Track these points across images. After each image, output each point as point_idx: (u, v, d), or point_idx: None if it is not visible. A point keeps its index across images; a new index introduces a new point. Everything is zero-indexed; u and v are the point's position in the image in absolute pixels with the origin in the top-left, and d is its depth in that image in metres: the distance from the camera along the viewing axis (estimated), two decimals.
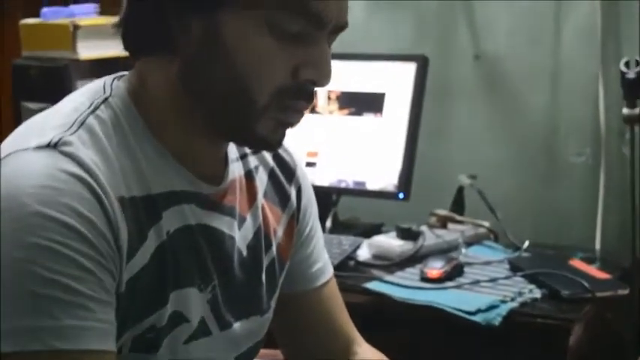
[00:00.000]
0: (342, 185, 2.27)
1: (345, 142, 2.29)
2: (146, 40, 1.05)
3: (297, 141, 2.24)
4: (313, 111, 2.30)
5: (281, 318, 1.27)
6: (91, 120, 1.02)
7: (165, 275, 1.04)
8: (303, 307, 1.30)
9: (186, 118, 1.05)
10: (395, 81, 2.27)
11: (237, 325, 1.14)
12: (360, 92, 2.30)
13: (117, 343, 0.99)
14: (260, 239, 1.18)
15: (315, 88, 1.05)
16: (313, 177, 2.26)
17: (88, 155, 0.98)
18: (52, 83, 2.27)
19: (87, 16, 2.34)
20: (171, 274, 1.04)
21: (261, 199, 1.19)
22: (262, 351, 1.40)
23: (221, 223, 1.11)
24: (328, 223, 2.24)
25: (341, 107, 2.30)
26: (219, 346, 1.12)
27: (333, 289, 1.32)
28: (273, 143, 1.07)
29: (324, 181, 2.28)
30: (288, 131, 1.07)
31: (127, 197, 1.00)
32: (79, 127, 1.00)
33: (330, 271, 1.32)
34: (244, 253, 1.15)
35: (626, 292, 1.90)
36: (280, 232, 1.23)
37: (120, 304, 0.99)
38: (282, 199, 1.23)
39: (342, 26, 1.04)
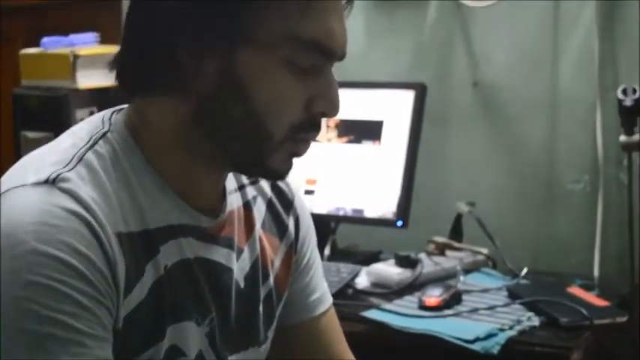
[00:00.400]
0: (341, 213, 2.28)
1: (344, 170, 2.30)
2: (149, 78, 1.04)
3: (296, 169, 2.28)
4: None
5: (279, 349, 1.26)
6: (90, 155, 1.02)
7: (162, 309, 1.04)
8: (302, 338, 1.29)
9: (188, 152, 1.05)
10: (393, 109, 2.28)
11: (233, 358, 1.14)
12: (358, 120, 2.31)
13: None
14: (257, 270, 1.18)
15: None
16: (312, 204, 2.27)
17: (86, 191, 0.98)
18: (52, 112, 2.27)
19: (87, 46, 2.36)
20: (169, 308, 1.04)
21: (258, 230, 1.19)
22: None
23: (219, 256, 1.11)
24: (327, 251, 2.25)
25: (340, 135, 2.31)
26: None
27: (332, 318, 1.32)
28: (283, 174, 1.08)
29: (323, 209, 2.28)
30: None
31: (124, 232, 1.00)
32: (77, 163, 1.01)
33: (329, 301, 1.31)
34: (242, 284, 1.15)
35: (624, 319, 1.89)
36: (278, 262, 1.22)
37: (117, 340, 0.98)
38: (280, 229, 1.23)
39: (344, 55, 1.06)
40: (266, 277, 1.20)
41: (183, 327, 1.06)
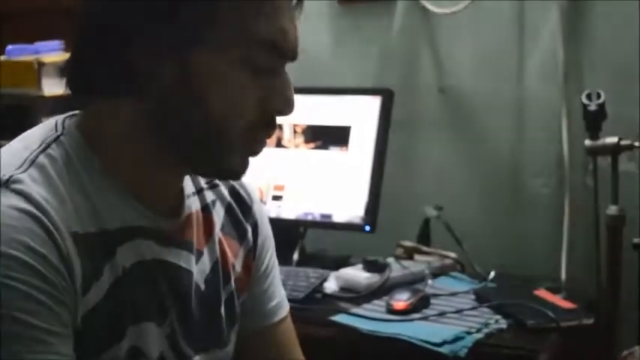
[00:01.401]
0: (309, 218, 2.28)
1: (312, 176, 2.30)
2: (103, 81, 1.04)
3: (264, 174, 2.29)
4: (279, 145, 2.31)
5: (238, 353, 1.26)
6: (42, 158, 1.02)
7: (121, 310, 1.03)
8: (259, 344, 1.29)
9: (145, 155, 1.05)
10: (360, 114, 2.29)
11: (197, 359, 1.14)
12: (325, 126, 2.31)
13: None
14: (218, 273, 1.18)
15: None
16: (280, 210, 2.28)
17: (39, 192, 0.98)
18: (18, 120, 2.26)
19: (52, 53, 2.35)
20: (128, 309, 1.04)
21: (218, 233, 1.19)
22: None
23: (178, 258, 1.11)
24: (295, 256, 2.24)
25: (307, 141, 2.31)
26: None
27: (289, 325, 1.32)
28: (239, 174, 1.08)
29: (291, 214, 2.28)
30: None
31: (80, 233, 1.00)
32: (29, 166, 1.01)
33: (285, 309, 1.31)
34: (202, 287, 1.15)
35: (590, 321, 1.91)
36: (238, 266, 1.23)
37: (76, 339, 0.98)
38: (240, 233, 1.23)
39: (296, 55, 1.06)
40: (227, 279, 1.20)
41: (143, 328, 1.06)
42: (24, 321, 0.93)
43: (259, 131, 1.04)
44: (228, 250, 1.21)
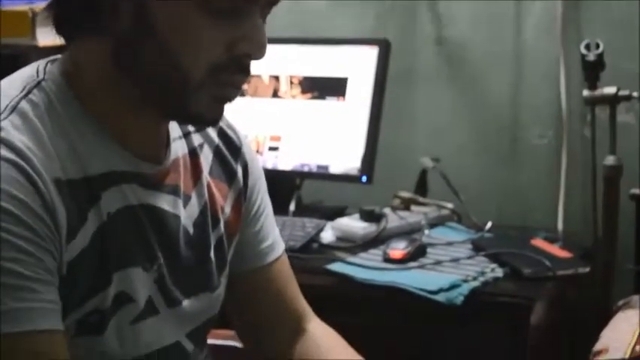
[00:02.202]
0: (305, 169, 2.27)
1: (308, 126, 2.29)
2: (76, 23, 1.03)
3: (260, 125, 2.28)
4: (276, 96, 2.30)
5: (232, 296, 1.27)
6: (24, 104, 1.00)
7: (107, 256, 1.03)
8: (253, 285, 1.29)
9: (122, 98, 1.04)
10: (357, 65, 2.27)
11: (186, 303, 1.14)
12: (322, 77, 2.29)
13: None
14: (206, 216, 1.17)
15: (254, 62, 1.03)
16: (276, 161, 2.27)
17: (21, 139, 0.97)
18: (11, 70, 2.23)
19: (46, 2, 2.32)
20: (114, 254, 1.04)
21: (206, 177, 1.19)
22: (219, 332, 1.41)
23: (164, 202, 1.10)
24: (292, 207, 2.24)
25: (304, 91, 2.30)
26: (168, 324, 1.11)
27: (284, 266, 1.32)
28: (210, 119, 1.07)
29: (288, 165, 2.27)
30: (227, 106, 1.06)
31: (63, 179, 0.99)
32: (10, 112, 0.99)
33: (280, 249, 1.31)
34: (191, 231, 1.15)
35: (586, 270, 1.91)
36: (228, 208, 1.22)
37: (62, 287, 0.98)
38: (229, 176, 1.23)
39: (272, 1, 1.04)
40: (216, 223, 1.19)
41: (130, 273, 1.06)
42: (8, 269, 0.92)
43: (226, 74, 1.02)
44: (216, 193, 1.20)
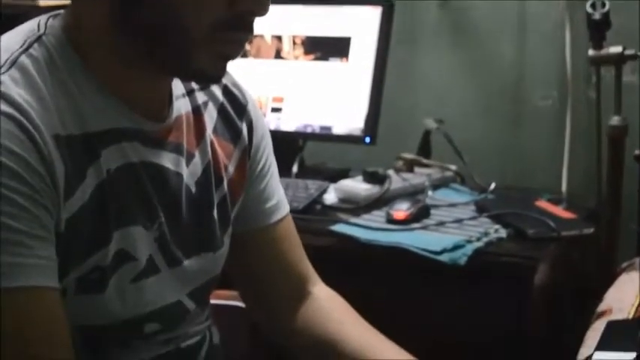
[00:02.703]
0: (308, 130, 2.26)
1: (311, 87, 2.27)
2: None
3: (263, 86, 2.26)
4: (278, 56, 2.28)
5: (235, 256, 1.26)
6: (24, 59, 0.99)
7: (106, 214, 1.02)
8: (257, 245, 1.28)
9: (123, 55, 1.03)
10: (361, 25, 2.25)
11: (187, 263, 1.13)
12: (325, 37, 2.27)
13: (60, 284, 0.98)
14: (209, 175, 1.16)
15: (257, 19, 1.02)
16: (279, 122, 2.26)
17: (20, 93, 0.96)
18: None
19: None
20: (114, 212, 1.03)
21: (210, 135, 1.17)
22: (221, 292, 1.40)
23: (166, 161, 1.09)
24: (294, 168, 2.23)
25: (306, 52, 2.28)
26: (169, 283, 1.11)
27: (289, 227, 1.31)
28: (213, 76, 1.06)
29: (290, 127, 2.26)
30: (230, 64, 1.05)
31: (63, 135, 0.98)
32: (10, 67, 0.98)
33: (285, 209, 1.30)
34: (193, 190, 1.14)
35: (590, 231, 1.90)
36: (232, 167, 1.21)
37: (60, 244, 0.97)
38: (233, 134, 1.21)
39: None
40: (219, 182, 1.18)
41: (130, 231, 1.05)
42: (3, 223, 0.91)
43: (229, 30, 1.00)
44: (220, 152, 1.19)
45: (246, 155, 1.23)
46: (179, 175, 1.11)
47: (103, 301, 1.03)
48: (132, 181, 1.05)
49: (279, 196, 1.30)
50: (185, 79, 1.14)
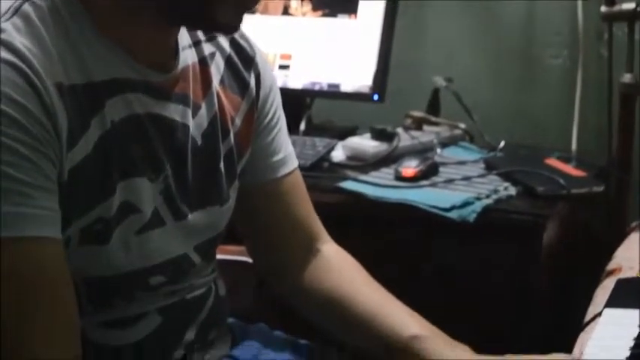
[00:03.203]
0: (316, 88, 2.23)
1: (319, 44, 2.24)
2: None
3: (271, 43, 2.24)
4: (286, 13, 2.26)
5: (243, 211, 1.25)
6: (27, 7, 0.98)
7: (110, 165, 1.01)
8: (265, 199, 1.27)
9: (130, 5, 1.01)
10: None
11: (193, 216, 1.12)
12: None
13: (63, 234, 0.97)
14: (216, 127, 1.15)
15: None
16: (286, 80, 2.24)
17: (22, 42, 0.94)
18: None
19: None
20: (118, 164, 1.02)
21: (216, 87, 1.16)
22: (228, 247, 1.39)
23: (172, 112, 1.08)
24: (302, 126, 2.21)
25: (314, 9, 2.25)
26: (174, 236, 1.10)
27: (297, 181, 1.29)
28: (234, 27, 1.04)
29: (298, 84, 2.24)
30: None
31: (66, 84, 0.97)
32: (13, 15, 0.97)
33: (293, 163, 1.29)
34: (199, 141, 1.13)
35: (601, 189, 1.88)
36: (239, 120, 1.19)
37: (63, 194, 0.96)
38: (241, 86, 1.20)
39: None
40: (226, 134, 1.17)
41: (135, 183, 1.04)
42: (4, 173, 0.90)
43: None
44: (227, 103, 1.17)
45: (254, 108, 1.22)
46: (185, 126, 1.10)
47: (107, 252, 1.03)
48: (137, 132, 1.04)
49: (287, 150, 1.28)
50: (204, 31, 1.13)
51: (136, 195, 1.04)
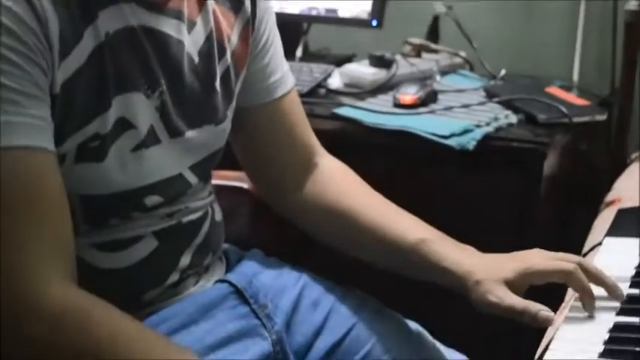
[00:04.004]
0: (313, 13, 2.18)
1: None
2: None
3: None
4: None
5: (242, 133, 1.25)
6: None
7: (105, 78, 1.00)
8: (264, 119, 1.26)
9: None
10: None
11: (189, 134, 1.11)
12: None
13: (59, 151, 0.96)
14: (212, 45, 1.13)
15: None
16: (283, 4, 2.18)
17: None
18: None
19: None
20: (113, 77, 1.00)
21: (211, 3, 1.14)
22: (224, 172, 1.38)
23: (167, 26, 1.06)
24: (298, 52, 2.17)
25: None
26: (170, 154, 1.09)
27: (294, 101, 1.29)
28: None
29: (295, 9, 2.18)
30: None
31: None
32: None
33: (290, 83, 1.28)
34: (196, 59, 1.11)
35: (603, 117, 1.85)
36: (235, 38, 1.18)
37: (57, 108, 0.95)
38: (235, 4, 1.18)
39: None
40: (222, 53, 1.15)
41: (131, 98, 1.03)
42: None
43: None
44: (223, 21, 1.15)
45: (249, 27, 1.20)
46: (180, 42, 1.08)
47: (102, 169, 1.02)
48: (131, 45, 1.02)
49: (284, 70, 1.27)
50: None
51: (132, 111, 1.03)
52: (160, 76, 1.05)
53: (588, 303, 1.05)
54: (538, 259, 1.13)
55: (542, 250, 1.16)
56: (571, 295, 1.09)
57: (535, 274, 1.11)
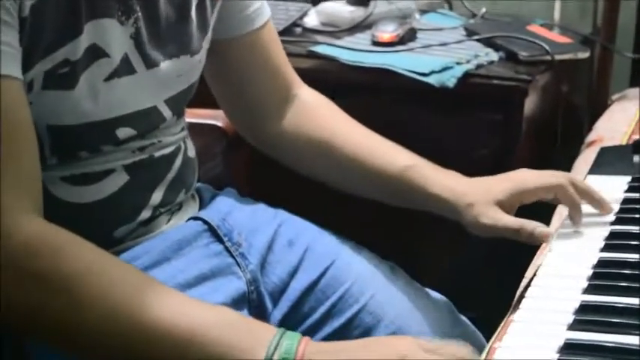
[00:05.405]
0: None
1: None
2: None
3: None
4: None
5: (220, 65, 1.22)
6: None
7: (77, 2, 0.95)
8: (242, 51, 1.23)
9: None
10: None
11: (164, 65, 1.07)
12: None
13: (26, 77, 0.92)
14: None
15: None
16: None
17: None
18: None
19: None
20: (85, 1, 0.96)
21: None
22: (199, 111, 1.34)
23: None
24: None
25: None
26: (144, 86, 1.06)
27: (271, 30, 1.26)
28: None
29: None
30: None
31: None
32: None
33: (267, 13, 1.25)
34: None
35: (586, 54, 1.81)
36: None
37: (25, 31, 0.91)
38: None
39: None
40: None
41: (104, 24, 0.99)
42: None
43: None
44: None
45: None
46: None
47: (73, 98, 0.98)
48: None
49: (260, 2, 1.24)
50: None
51: (105, 38, 0.99)
52: (134, 2, 1.02)
53: (578, 218, 1.06)
54: (527, 177, 1.13)
55: (529, 169, 1.16)
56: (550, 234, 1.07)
57: (526, 191, 1.11)
